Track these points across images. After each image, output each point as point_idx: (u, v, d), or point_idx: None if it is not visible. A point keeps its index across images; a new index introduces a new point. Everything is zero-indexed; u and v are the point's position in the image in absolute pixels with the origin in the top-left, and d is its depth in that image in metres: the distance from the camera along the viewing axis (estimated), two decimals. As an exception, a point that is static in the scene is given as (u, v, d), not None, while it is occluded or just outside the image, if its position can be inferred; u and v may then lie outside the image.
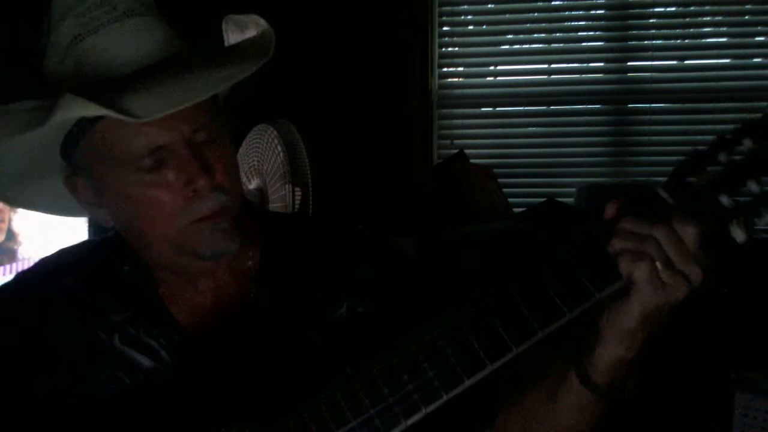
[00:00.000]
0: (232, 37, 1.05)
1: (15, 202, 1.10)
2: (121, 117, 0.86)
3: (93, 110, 0.86)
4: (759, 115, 0.87)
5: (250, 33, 1.01)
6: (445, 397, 0.86)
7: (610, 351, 0.88)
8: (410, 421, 0.86)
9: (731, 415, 2.13)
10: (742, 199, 0.87)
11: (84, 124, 0.92)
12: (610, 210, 0.89)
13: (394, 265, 1.10)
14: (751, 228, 0.86)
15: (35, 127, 0.88)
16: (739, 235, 0.86)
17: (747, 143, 0.86)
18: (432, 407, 0.86)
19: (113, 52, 0.93)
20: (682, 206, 0.86)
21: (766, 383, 2.12)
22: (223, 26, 1.06)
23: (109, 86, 0.91)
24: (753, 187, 0.85)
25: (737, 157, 0.86)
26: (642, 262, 0.83)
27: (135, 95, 0.89)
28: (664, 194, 0.88)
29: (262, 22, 1.00)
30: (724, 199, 0.86)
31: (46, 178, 1.02)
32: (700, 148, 0.88)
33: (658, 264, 0.83)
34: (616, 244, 0.85)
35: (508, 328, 0.86)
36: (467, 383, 0.86)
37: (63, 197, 1.03)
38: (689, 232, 0.84)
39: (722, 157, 0.87)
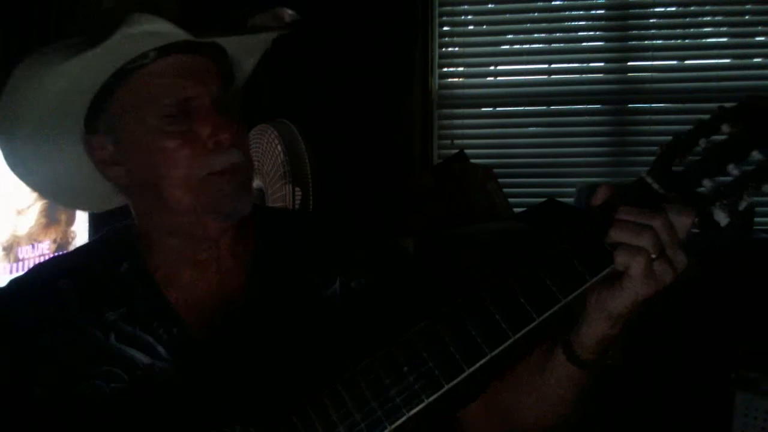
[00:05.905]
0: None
1: (22, 171, 1.08)
2: (182, 33, 0.94)
3: (159, 24, 0.92)
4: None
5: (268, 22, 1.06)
6: (445, 386, 0.87)
7: (597, 330, 0.92)
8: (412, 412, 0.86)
9: (731, 415, 2.13)
10: (723, 182, 0.89)
11: (123, 74, 0.98)
12: (600, 195, 0.91)
13: (385, 249, 1.12)
14: (733, 211, 0.88)
15: (94, 46, 0.92)
16: (722, 218, 0.88)
17: (725, 128, 0.88)
18: (433, 397, 0.87)
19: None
20: (673, 195, 0.88)
21: (766, 383, 2.12)
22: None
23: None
24: (733, 170, 0.88)
25: (716, 142, 0.89)
26: (640, 256, 0.85)
27: None
28: (650, 180, 0.90)
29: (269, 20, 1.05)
30: (707, 183, 0.88)
31: (60, 145, 1.04)
32: (681, 134, 0.90)
33: (652, 255, 0.85)
34: (615, 236, 0.87)
35: (507, 318, 0.87)
36: (467, 372, 0.86)
37: (66, 179, 1.06)
38: (685, 223, 0.87)
39: (702, 142, 0.89)
